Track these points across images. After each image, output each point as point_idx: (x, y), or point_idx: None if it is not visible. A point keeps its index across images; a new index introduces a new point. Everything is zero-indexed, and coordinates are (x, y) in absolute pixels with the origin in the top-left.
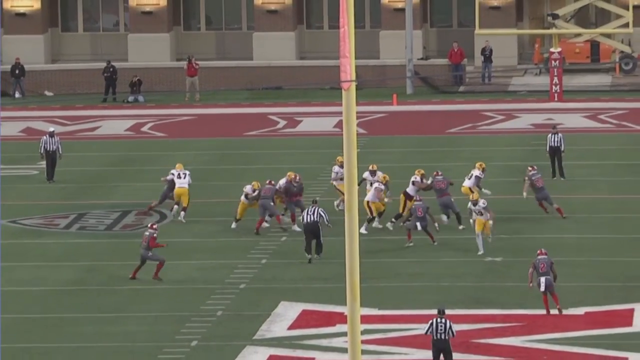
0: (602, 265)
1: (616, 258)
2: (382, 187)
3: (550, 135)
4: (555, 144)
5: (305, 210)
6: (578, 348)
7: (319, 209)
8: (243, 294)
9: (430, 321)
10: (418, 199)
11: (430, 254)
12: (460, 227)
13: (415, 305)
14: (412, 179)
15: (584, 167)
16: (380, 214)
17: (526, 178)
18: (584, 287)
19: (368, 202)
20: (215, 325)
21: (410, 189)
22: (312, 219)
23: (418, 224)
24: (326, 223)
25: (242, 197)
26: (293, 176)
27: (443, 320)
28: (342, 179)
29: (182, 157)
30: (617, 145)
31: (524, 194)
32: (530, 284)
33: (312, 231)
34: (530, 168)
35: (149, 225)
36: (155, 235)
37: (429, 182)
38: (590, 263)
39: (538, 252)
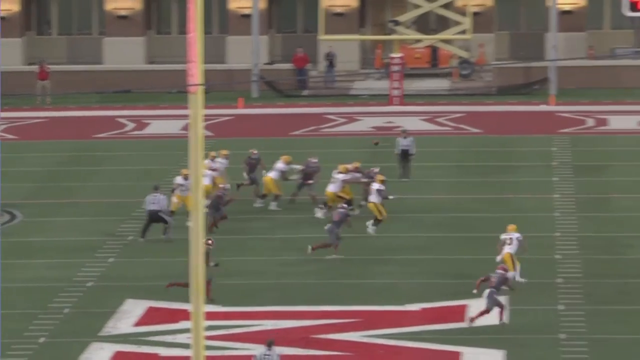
0: (438, 263)
1: (452, 256)
2: (342, 176)
3: (400, 138)
4: (406, 147)
5: (148, 198)
6: (413, 343)
7: (161, 196)
8: (90, 291)
9: (255, 355)
10: (339, 206)
11: (272, 252)
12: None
13: (259, 303)
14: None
15: (423, 168)
16: (349, 202)
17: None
18: (421, 284)
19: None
20: (62, 323)
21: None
22: (153, 207)
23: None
24: (168, 213)
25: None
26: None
27: (269, 353)
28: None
29: (33, 159)
30: (454, 147)
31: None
32: (475, 291)
33: (154, 219)
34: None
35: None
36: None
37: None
38: (427, 261)
39: (498, 267)
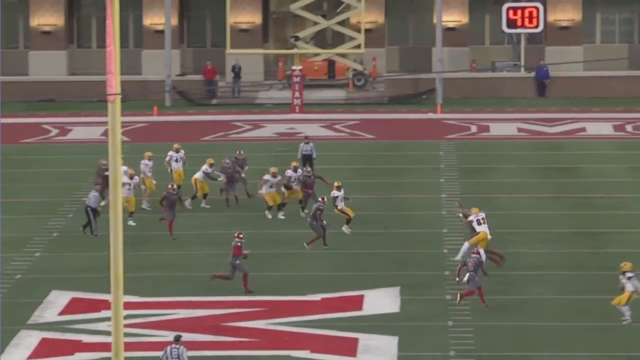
0: (339, 257)
1: (352, 251)
2: (271, 179)
3: (302, 144)
4: (308, 152)
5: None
6: (314, 330)
7: (95, 194)
8: (18, 283)
9: (165, 348)
10: (321, 198)
11: (186, 247)
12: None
13: (173, 293)
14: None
15: (323, 171)
16: (281, 205)
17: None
18: (322, 277)
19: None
20: None
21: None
22: (86, 202)
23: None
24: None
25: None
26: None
27: (177, 346)
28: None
29: None
30: (350, 151)
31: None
32: (457, 279)
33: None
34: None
35: (236, 234)
36: (239, 244)
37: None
38: (329, 255)
39: (473, 251)
